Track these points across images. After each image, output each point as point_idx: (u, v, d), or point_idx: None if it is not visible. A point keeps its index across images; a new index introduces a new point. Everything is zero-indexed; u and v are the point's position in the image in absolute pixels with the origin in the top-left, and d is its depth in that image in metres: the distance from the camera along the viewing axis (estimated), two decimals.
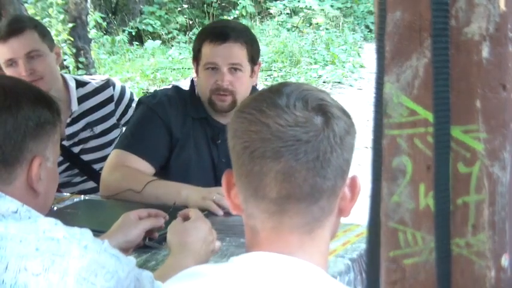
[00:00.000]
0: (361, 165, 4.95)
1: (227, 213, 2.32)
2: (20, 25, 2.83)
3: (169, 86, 2.71)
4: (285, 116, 1.08)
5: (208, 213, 2.26)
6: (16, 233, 1.33)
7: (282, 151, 1.07)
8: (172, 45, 12.07)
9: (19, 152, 1.41)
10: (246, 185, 1.11)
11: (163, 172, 2.55)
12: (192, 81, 2.65)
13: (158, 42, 12.12)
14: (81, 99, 2.94)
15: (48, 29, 3.05)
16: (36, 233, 1.34)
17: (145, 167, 2.52)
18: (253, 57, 2.54)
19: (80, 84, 2.96)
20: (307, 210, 1.10)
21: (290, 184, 1.08)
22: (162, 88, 2.79)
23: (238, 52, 2.49)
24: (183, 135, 2.58)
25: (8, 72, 2.71)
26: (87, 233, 1.40)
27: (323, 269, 1.11)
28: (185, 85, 2.67)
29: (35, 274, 1.30)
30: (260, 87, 2.77)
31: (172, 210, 2.07)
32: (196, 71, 2.57)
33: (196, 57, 2.55)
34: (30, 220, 1.37)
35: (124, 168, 2.50)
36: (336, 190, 1.11)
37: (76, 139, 2.96)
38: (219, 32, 2.49)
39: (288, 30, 12.56)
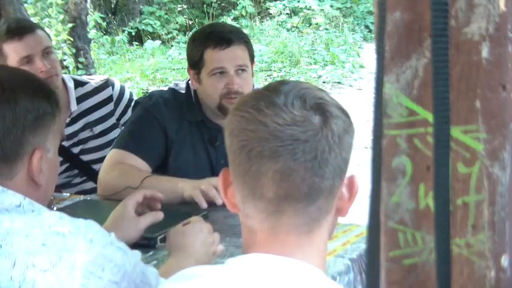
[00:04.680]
0: (361, 165, 4.95)
1: (227, 214, 2.33)
2: (29, 24, 2.87)
3: (166, 88, 2.70)
4: (282, 115, 1.07)
5: (207, 214, 2.27)
6: (22, 227, 1.33)
7: (279, 151, 1.06)
8: (172, 46, 12.06)
9: (19, 146, 1.40)
10: (242, 184, 1.10)
11: (162, 175, 2.55)
12: (188, 84, 2.65)
13: (158, 42, 12.11)
14: (80, 99, 2.94)
15: (48, 29, 3.08)
16: (42, 227, 1.33)
17: (143, 166, 2.53)
18: (252, 56, 2.56)
19: (78, 84, 2.96)
20: (305, 211, 1.09)
21: (288, 184, 1.07)
22: (158, 89, 2.78)
23: (242, 54, 2.50)
24: (178, 138, 2.58)
25: None
26: (92, 225, 1.39)
27: (321, 269, 1.11)
28: (183, 87, 2.67)
29: (42, 270, 1.30)
30: (259, 87, 2.78)
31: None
32: (197, 79, 2.55)
33: (197, 65, 2.53)
34: (34, 213, 1.37)
35: (121, 166, 2.50)
36: (334, 190, 1.10)
37: (75, 139, 2.95)
38: (221, 37, 2.49)
39: (288, 30, 12.55)
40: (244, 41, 2.52)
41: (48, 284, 1.29)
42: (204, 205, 2.31)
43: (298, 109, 1.08)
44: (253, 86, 2.66)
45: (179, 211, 2.21)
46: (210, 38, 2.50)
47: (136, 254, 1.47)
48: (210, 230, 1.84)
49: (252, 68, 2.57)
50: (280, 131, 1.06)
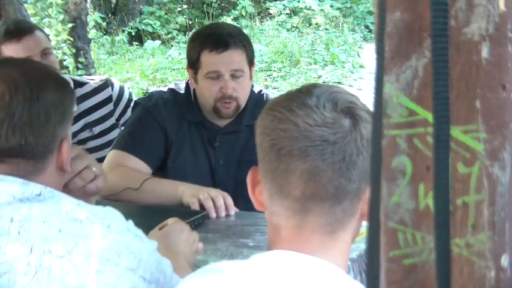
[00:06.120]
0: None
1: (226, 214, 2.33)
2: (28, 25, 2.87)
3: (166, 88, 2.70)
4: (314, 116, 1.09)
5: (205, 215, 2.27)
6: (39, 214, 1.33)
7: (309, 150, 1.08)
8: (172, 46, 12.06)
9: (52, 142, 1.42)
10: (271, 182, 1.12)
11: (161, 176, 2.55)
12: (188, 84, 2.65)
13: (158, 42, 12.11)
14: (79, 100, 2.94)
15: (48, 29, 3.08)
16: (59, 214, 1.34)
17: (143, 167, 2.53)
18: (251, 59, 2.54)
19: (78, 84, 2.97)
20: (330, 211, 1.10)
21: (315, 184, 1.09)
22: (158, 90, 2.78)
23: (239, 58, 2.49)
24: (178, 139, 2.59)
25: None
26: (110, 211, 1.40)
27: (343, 270, 1.12)
28: (183, 87, 2.67)
29: (58, 256, 1.31)
30: (258, 87, 2.78)
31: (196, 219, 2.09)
32: (194, 79, 2.55)
33: (194, 66, 2.53)
34: (53, 200, 1.37)
35: (121, 168, 2.51)
36: (360, 193, 1.12)
37: (75, 140, 2.96)
38: (218, 40, 2.47)
39: (288, 30, 12.55)
40: (243, 44, 2.50)
41: (64, 270, 1.30)
42: (196, 207, 2.33)
43: (329, 111, 1.10)
44: (252, 87, 2.66)
45: (178, 211, 2.21)
46: (208, 40, 2.49)
47: (153, 242, 1.48)
48: (189, 229, 1.86)
49: (251, 71, 2.55)
50: (310, 132, 1.08)
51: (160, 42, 12.16)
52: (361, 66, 10.76)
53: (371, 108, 0.95)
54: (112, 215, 1.38)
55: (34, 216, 1.33)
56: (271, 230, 1.16)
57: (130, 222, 1.42)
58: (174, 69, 10.39)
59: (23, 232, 1.32)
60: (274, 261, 1.11)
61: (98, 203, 2.53)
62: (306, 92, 1.13)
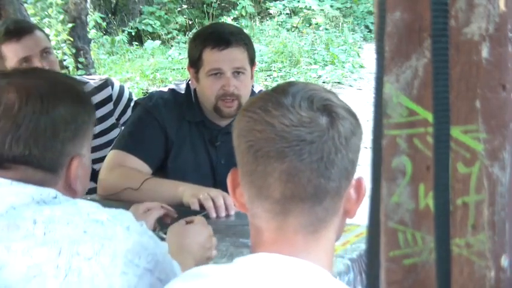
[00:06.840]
0: (360, 165, 4.95)
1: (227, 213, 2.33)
2: (28, 24, 2.86)
3: (166, 89, 2.70)
4: (289, 116, 1.07)
5: (207, 214, 2.27)
6: (62, 215, 1.33)
7: (286, 151, 1.07)
8: (172, 46, 12.06)
9: (60, 157, 1.40)
10: (250, 184, 1.11)
11: (161, 176, 2.55)
12: (188, 84, 2.65)
13: (158, 42, 12.11)
14: None
15: (48, 29, 3.08)
16: (81, 215, 1.34)
17: (143, 167, 2.53)
18: (252, 58, 2.54)
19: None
20: (311, 211, 1.09)
21: (294, 184, 1.07)
22: (158, 90, 2.78)
23: (240, 56, 2.49)
24: (178, 139, 2.58)
25: None
26: (125, 213, 1.41)
27: (328, 270, 1.11)
28: (183, 87, 2.67)
29: (87, 258, 1.31)
30: (259, 87, 2.77)
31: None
32: (196, 78, 2.55)
33: (196, 64, 2.53)
34: (70, 202, 1.38)
35: (121, 167, 2.51)
36: (341, 191, 1.11)
37: None
38: (220, 38, 2.48)
39: (288, 30, 12.55)
40: (244, 43, 2.51)
41: (93, 272, 1.31)
42: (196, 208, 2.33)
43: (305, 110, 1.08)
44: (253, 87, 2.66)
45: (178, 211, 2.21)
46: (210, 38, 2.50)
47: (165, 244, 1.50)
48: (210, 234, 1.85)
49: (252, 70, 2.55)
50: (286, 132, 1.07)
51: (160, 42, 12.17)
52: (361, 66, 10.76)
53: (372, 108, 0.95)
54: (128, 217, 1.40)
55: (57, 217, 1.33)
56: (253, 232, 1.15)
57: (144, 224, 1.44)
58: (174, 69, 10.39)
59: (48, 233, 1.31)
60: (257, 264, 1.10)
61: (98, 202, 2.54)
62: (282, 91, 1.12)
